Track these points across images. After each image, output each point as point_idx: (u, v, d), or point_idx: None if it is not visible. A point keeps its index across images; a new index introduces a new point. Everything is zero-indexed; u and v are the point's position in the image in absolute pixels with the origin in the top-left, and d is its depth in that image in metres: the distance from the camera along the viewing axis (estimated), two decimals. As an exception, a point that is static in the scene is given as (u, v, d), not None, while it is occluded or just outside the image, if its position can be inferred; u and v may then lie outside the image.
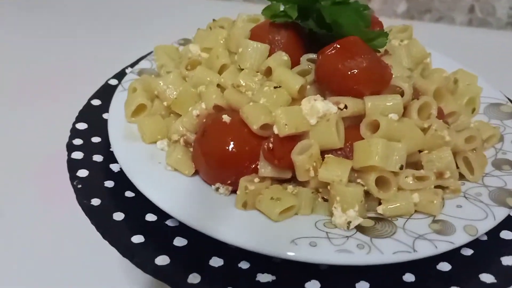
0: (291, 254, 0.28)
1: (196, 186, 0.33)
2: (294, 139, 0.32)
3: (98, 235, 0.32)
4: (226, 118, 0.33)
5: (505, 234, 0.33)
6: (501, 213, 0.32)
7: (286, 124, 0.31)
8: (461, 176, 0.35)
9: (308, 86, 0.35)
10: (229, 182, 0.33)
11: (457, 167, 0.34)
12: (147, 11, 0.87)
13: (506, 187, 0.34)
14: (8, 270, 0.43)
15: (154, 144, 0.36)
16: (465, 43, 0.83)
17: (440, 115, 0.36)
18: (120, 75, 0.46)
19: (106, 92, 0.44)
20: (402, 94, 0.33)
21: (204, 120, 0.34)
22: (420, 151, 0.33)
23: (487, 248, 0.32)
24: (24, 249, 0.44)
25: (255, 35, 0.38)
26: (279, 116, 0.31)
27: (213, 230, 0.30)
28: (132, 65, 0.47)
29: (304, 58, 0.36)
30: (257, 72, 0.35)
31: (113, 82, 0.46)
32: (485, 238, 0.33)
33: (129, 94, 0.39)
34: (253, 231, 0.30)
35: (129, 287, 0.40)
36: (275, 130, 0.31)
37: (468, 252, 0.32)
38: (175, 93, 0.37)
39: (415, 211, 0.32)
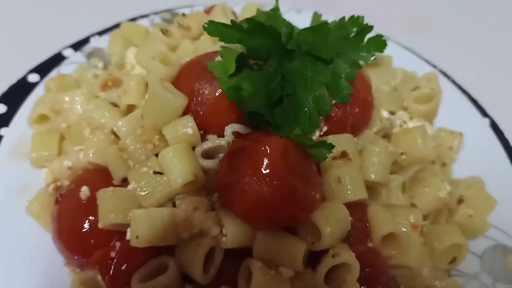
0: None
1: (46, 250, 0.28)
2: (151, 250, 0.24)
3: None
4: (84, 193, 0.26)
5: None
6: None
7: (139, 236, 0.23)
8: None
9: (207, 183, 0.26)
10: (75, 264, 0.26)
11: None
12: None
13: None
14: None
15: (39, 168, 0.31)
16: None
17: (379, 270, 0.25)
18: (80, 44, 0.39)
19: (48, 67, 0.37)
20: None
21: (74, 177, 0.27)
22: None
23: None
24: None
25: (182, 75, 0.28)
26: (135, 221, 0.24)
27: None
28: (100, 33, 0.40)
29: (229, 129, 0.26)
30: (158, 132, 0.27)
31: (67, 52, 0.39)
32: None
33: (45, 92, 0.33)
34: None
35: None
36: (128, 235, 0.24)
37: None
38: (75, 115, 0.30)
39: None
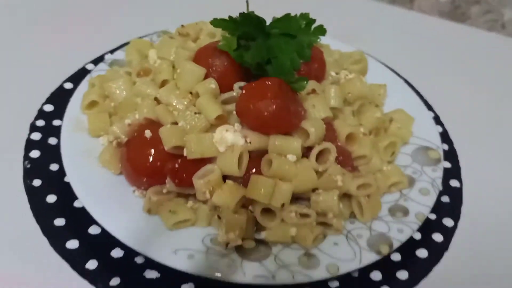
0: (168, 261, 0.34)
1: (117, 184, 0.39)
2: (201, 161, 0.37)
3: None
4: (147, 133, 0.38)
5: (374, 275, 0.37)
6: (368, 258, 0.36)
7: (193, 150, 0.36)
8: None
9: (234, 112, 0.39)
10: (143, 188, 0.38)
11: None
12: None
13: (388, 233, 0.37)
14: None
15: (97, 137, 0.42)
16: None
17: (346, 158, 0.39)
18: (98, 61, 0.51)
19: (80, 76, 0.49)
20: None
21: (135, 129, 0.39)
22: (313, 190, 0.37)
23: (354, 284, 0.36)
24: None
25: (198, 56, 0.41)
26: (189, 141, 0.36)
27: (115, 229, 0.35)
28: (112, 52, 0.52)
29: (236, 85, 0.40)
30: (190, 92, 0.40)
31: (90, 66, 0.51)
32: (356, 275, 0.37)
33: (88, 88, 0.45)
34: (146, 235, 0.35)
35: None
36: (185, 152, 0.36)
37: (334, 284, 0.36)
38: (120, 98, 0.42)
39: (294, 241, 0.36)
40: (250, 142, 0.36)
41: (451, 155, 0.48)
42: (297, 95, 0.38)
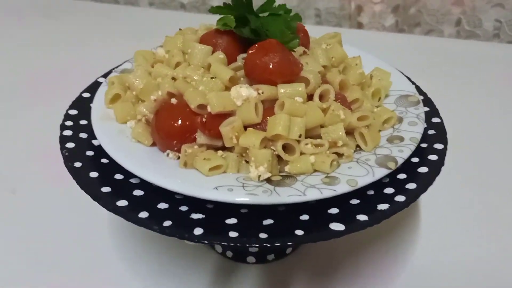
0: (212, 195, 0.39)
1: (152, 152, 0.44)
2: (223, 116, 0.43)
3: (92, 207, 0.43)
4: (173, 101, 0.44)
5: (388, 190, 0.43)
6: (380, 172, 0.42)
7: (216, 104, 0.42)
8: (361, 148, 0.45)
9: (242, 78, 0.46)
10: (175, 148, 0.43)
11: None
12: (131, 23, 1.08)
13: (391, 154, 0.44)
14: (19, 240, 0.55)
15: (124, 124, 0.47)
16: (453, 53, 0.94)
17: (343, 101, 0.46)
18: (107, 74, 0.58)
19: (94, 87, 0.55)
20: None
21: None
22: (322, 127, 0.44)
23: (370, 199, 0.42)
24: (33, 221, 0.58)
25: (203, 40, 0.49)
26: (211, 98, 0.42)
27: (160, 181, 0.40)
28: (117, 67, 0.58)
29: (240, 57, 0.47)
30: (202, 67, 0.46)
31: (101, 80, 0.57)
32: (371, 192, 0.43)
33: (108, 86, 0.51)
34: (188, 181, 0.40)
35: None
36: (209, 109, 0.42)
37: (355, 201, 0.42)
38: (141, 85, 0.48)
39: (314, 170, 0.42)
40: (262, 92, 0.43)
41: (427, 103, 0.56)
42: (292, 53, 0.46)
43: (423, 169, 0.45)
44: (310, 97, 0.44)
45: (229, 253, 0.54)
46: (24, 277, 0.52)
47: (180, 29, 0.56)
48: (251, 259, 0.53)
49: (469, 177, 0.64)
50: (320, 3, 1.09)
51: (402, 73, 0.58)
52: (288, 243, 0.38)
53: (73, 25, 1.08)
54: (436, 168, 0.45)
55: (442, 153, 0.47)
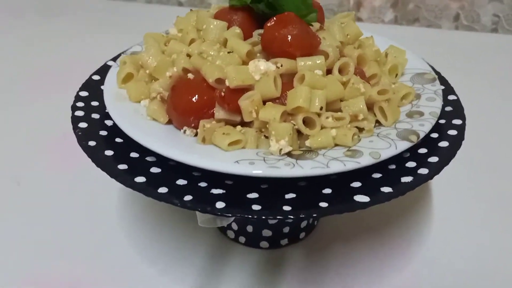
0: (233, 169, 0.38)
1: (168, 130, 0.43)
2: (242, 90, 0.42)
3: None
4: (190, 76, 0.43)
5: (410, 164, 0.42)
6: (402, 145, 0.41)
7: (234, 78, 0.41)
8: (380, 124, 0.45)
9: (258, 54, 0.45)
10: (193, 125, 0.42)
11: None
12: (137, 16, 1.09)
13: (412, 128, 0.43)
14: (26, 231, 0.54)
15: (138, 103, 0.46)
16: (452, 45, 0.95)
17: (362, 75, 0.45)
18: (117, 58, 0.56)
19: (104, 70, 0.54)
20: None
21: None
22: (342, 101, 0.43)
23: (393, 173, 0.41)
24: (40, 211, 0.57)
25: (217, 17, 0.48)
26: (229, 72, 0.41)
27: (179, 156, 0.39)
28: (126, 50, 0.57)
29: (255, 32, 0.46)
30: (217, 43, 0.45)
31: (111, 63, 0.56)
32: (393, 167, 0.42)
33: (120, 66, 0.49)
34: (207, 156, 0.39)
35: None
36: (227, 83, 0.41)
37: (377, 175, 0.41)
38: (155, 62, 0.47)
39: (336, 144, 0.41)
40: (281, 66, 0.42)
41: (442, 81, 0.55)
42: (310, 27, 0.45)
43: (443, 143, 0.44)
44: (328, 72, 0.44)
45: (242, 239, 0.53)
46: (32, 266, 0.50)
47: (191, 9, 0.55)
48: (264, 244, 0.52)
49: (477, 167, 0.64)
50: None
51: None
52: (313, 215, 0.37)
53: (71, 22, 1.08)
54: (457, 141, 0.44)
55: (461, 128, 0.46)
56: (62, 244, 0.53)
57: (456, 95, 0.52)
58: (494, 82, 0.84)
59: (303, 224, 0.52)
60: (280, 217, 0.37)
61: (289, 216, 0.36)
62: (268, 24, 0.43)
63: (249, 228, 0.51)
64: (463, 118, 0.48)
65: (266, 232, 0.51)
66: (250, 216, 0.36)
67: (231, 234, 0.53)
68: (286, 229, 0.52)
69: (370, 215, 0.54)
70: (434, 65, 0.56)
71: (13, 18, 1.09)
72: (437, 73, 0.56)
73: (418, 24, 1.08)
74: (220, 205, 0.37)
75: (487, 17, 1.04)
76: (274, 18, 0.43)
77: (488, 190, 0.60)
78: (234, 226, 0.52)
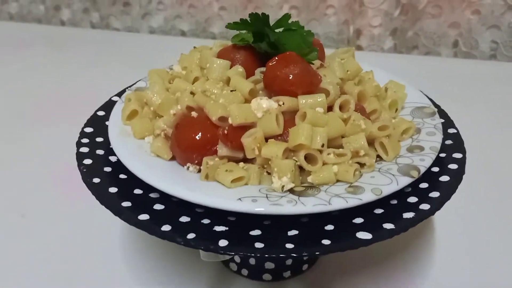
0: (236, 206, 0.38)
1: (172, 166, 0.44)
2: (244, 128, 0.42)
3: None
4: (194, 114, 0.44)
5: (411, 199, 0.42)
6: (403, 181, 0.41)
7: (237, 116, 0.42)
8: (381, 158, 0.45)
9: (260, 92, 0.46)
10: (196, 162, 0.43)
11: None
12: (141, 47, 1.11)
13: (413, 163, 0.43)
14: (30, 264, 0.54)
15: (142, 139, 0.47)
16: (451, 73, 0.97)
17: (362, 111, 0.46)
18: (122, 93, 0.58)
19: (109, 106, 0.55)
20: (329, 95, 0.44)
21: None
22: (343, 137, 0.44)
23: (395, 208, 0.41)
24: (43, 244, 0.57)
25: (220, 55, 0.49)
26: (232, 110, 0.42)
27: (182, 194, 0.40)
28: (131, 86, 0.58)
29: (258, 70, 0.47)
30: (220, 81, 0.46)
31: (115, 98, 0.57)
32: (395, 202, 0.42)
33: (125, 103, 0.50)
34: (210, 194, 0.40)
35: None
36: (230, 121, 0.42)
37: (379, 211, 0.41)
38: (159, 100, 0.48)
39: (337, 180, 0.42)
40: (283, 104, 0.43)
41: (442, 114, 0.56)
42: (311, 65, 0.46)
43: (444, 178, 0.45)
44: (329, 109, 0.44)
45: (245, 271, 0.53)
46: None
47: (194, 47, 0.56)
48: (267, 276, 0.52)
49: (479, 200, 0.64)
50: (318, 28, 1.10)
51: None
52: (316, 253, 0.37)
53: (76, 54, 1.10)
54: (457, 176, 0.45)
55: (461, 162, 0.47)
56: (65, 279, 0.53)
57: (456, 128, 0.52)
58: (492, 110, 0.84)
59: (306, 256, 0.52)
60: (283, 255, 0.37)
61: (292, 254, 0.37)
62: (270, 63, 0.44)
63: (252, 261, 0.51)
64: (463, 151, 0.48)
65: (269, 265, 0.51)
66: (253, 255, 0.37)
67: (234, 266, 0.53)
68: (288, 262, 0.52)
69: (373, 247, 0.54)
70: (433, 93, 0.57)
71: (20, 49, 1.11)
72: (437, 106, 0.57)
73: (417, 51, 1.10)
74: (223, 243, 0.37)
75: (486, 44, 1.06)
76: (276, 58, 0.44)
77: (491, 223, 0.60)
78: (237, 259, 0.52)
